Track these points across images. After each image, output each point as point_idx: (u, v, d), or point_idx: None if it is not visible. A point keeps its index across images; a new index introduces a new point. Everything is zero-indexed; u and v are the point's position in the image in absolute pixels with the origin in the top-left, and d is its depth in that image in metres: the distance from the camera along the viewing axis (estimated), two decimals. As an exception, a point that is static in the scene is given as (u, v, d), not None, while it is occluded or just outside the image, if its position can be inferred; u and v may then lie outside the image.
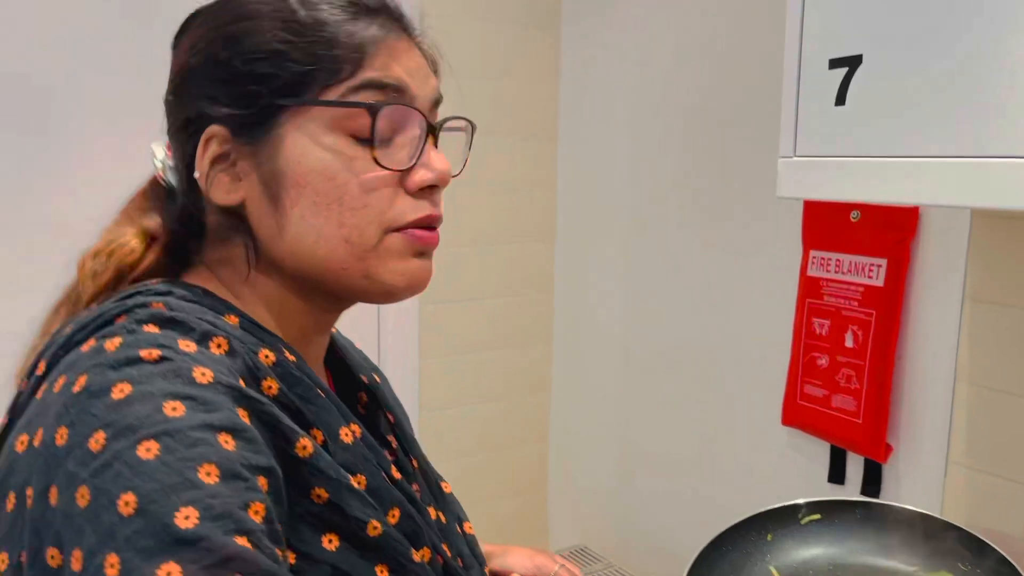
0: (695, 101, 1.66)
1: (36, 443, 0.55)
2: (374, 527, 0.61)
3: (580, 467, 2.04)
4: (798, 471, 1.49)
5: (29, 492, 0.54)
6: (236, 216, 0.66)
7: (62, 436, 0.53)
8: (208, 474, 0.51)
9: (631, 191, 1.82)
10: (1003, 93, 0.78)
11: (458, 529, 0.78)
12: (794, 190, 1.00)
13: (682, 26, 1.68)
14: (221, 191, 0.65)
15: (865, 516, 0.98)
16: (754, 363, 1.57)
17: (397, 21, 0.66)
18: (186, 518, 0.49)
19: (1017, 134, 0.77)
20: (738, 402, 1.61)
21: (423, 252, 0.67)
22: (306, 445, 0.59)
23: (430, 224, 0.66)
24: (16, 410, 0.61)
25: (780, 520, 0.98)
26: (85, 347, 0.58)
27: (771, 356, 1.52)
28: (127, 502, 0.49)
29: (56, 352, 0.60)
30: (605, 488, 1.95)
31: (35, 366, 0.62)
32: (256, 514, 0.52)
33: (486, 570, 0.83)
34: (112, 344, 0.57)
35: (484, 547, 0.90)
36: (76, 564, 0.50)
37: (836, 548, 0.96)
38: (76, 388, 0.55)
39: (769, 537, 0.95)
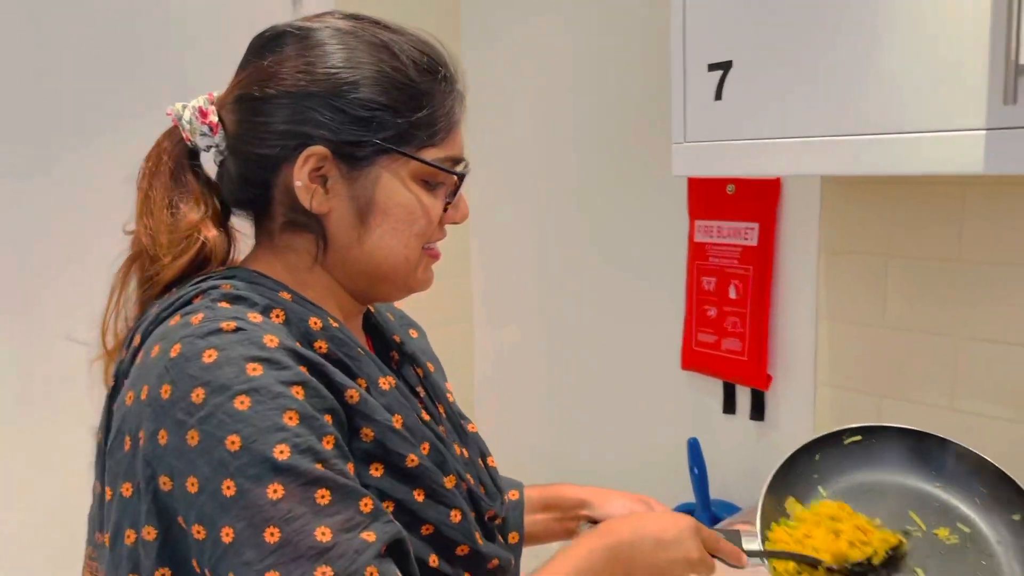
0: (595, 97, 1.89)
1: (143, 397, 0.69)
2: (412, 459, 0.76)
3: (506, 422, 2.26)
4: (698, 406, 1.75)
5: (141, 435, 0.69)
6: (315, 219, 0.80)
7: (166, 391, 0.68)
8: (291, 418, 0.67)
9: (540, 176, 2.05)
10: (841, 89, 1.05)
11: (481, 463, 0.95)
12: (686, 169, 1.25)
13: (582, 31, 1.91)
14: (316, 201, 0.78)
15: (901, 440, 1.06)
16: (656, 319, 1.82)
17: (464, 98, 0.85)
18: (281, 452, 0.66)
19: (846, 117, 1.04)
20: (644, 353, 1.86)
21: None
22: (353, 394, 0.74)
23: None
24: (119, 375, 0.77)
25: (826, 443, 1.06)
26: (172, 322, 0.73)
27: (670, 312, 1.78)
28: (233, 441, 0.65)
29: (148, 327, 0.75)
30: (533, 442, 2.17)
31: (131, 339, 0.77)
32: (329, 444, 0.69)
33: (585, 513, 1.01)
34: (196, 319, 0.71)
35: (581, 492, 1.04)
36: (192, 488, 0.66)
37: (874, 467, 1.05)
38: (172, 354, 0.69)
39: (817, 457, 1.04)
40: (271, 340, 0.70)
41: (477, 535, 0.83)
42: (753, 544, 0.92)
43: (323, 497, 0.66)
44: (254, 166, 0.80)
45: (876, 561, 0.94)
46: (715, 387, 1.71)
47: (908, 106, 0.99)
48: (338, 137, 0.77)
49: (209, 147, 0.83)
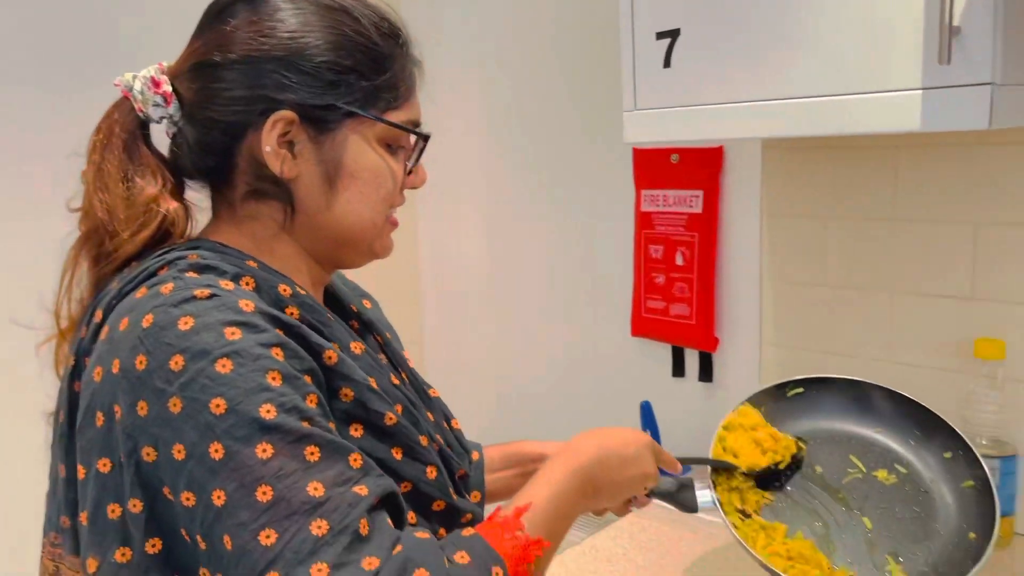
0: (544, 68, 1.91)
1: (115, 371, 0.68)
2: (390, 418, 0.77)
3: (458, 394, 2.27)
4: (648, 371, 1.80)
5: (116, 409, 0.68)
6: (282, 185, 0.79)
7: (141, 362, 0.67)
8: (274, 378, 0.67)
9: (489, 147, 2.06)
10: (780, 53, 1.09)
11: (445, 425, 0.97)
12: (637, 136, 1.28)
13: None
14: (286, 167, 0.78)
15: (840, 389, 1.14)
16: (606, 289, 1.86)
17: (421, 64, 0.86)
18: (267, 412, 0.66)
19: (790, 83, 1.09)
20: (595, 322, 1.90)
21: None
22: (331, 355, 0.74)
23: None
24: (80, 352, 0.75)
25: (770, 395, 1.15)
26: (138, 294, 0.71)
27: (619, 281, 1.82)
28: (218, 405, 0.65)
29: (111, 302, 0.74)
30: (487, 412, 2.19)
31: (91, 315, 0.76)
32: (312, 402, 0.69)
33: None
34: (166, 288, 0.70)
35: (541, 447, 1.06)
36: (179, 455, 0.65)
37: (816, 416, 1.13)
38: (145, 324, 0.68)
39: (763, 410, 1.12)
40: (247, 305, 0.70)
41: (451, 491, 0.85)
42: (706, 496, 1.02)
43: (312, 454, 0.67)
44: (216, 133, 0.79)
45: (782, 466, 1.08)
46: (664, 352, 1.76)
47: (846, 68, 1.04)
48: (305, 101, 0.77)
49: (162, 118, 0.81)
